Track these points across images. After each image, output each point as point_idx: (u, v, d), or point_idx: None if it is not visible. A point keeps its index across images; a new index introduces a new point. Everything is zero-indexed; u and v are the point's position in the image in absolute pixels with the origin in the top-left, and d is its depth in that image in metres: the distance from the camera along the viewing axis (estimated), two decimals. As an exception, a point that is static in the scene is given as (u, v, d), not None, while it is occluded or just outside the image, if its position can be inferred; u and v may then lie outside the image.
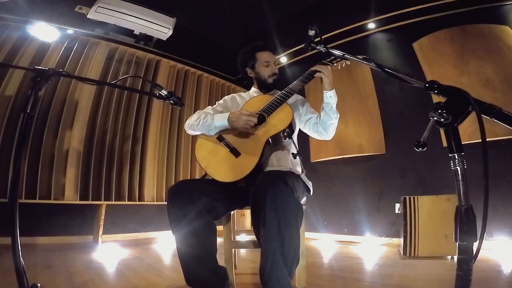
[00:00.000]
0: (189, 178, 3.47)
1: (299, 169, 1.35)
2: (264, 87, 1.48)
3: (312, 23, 1.05)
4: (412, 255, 2.04)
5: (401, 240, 2.19)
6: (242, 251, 2.35)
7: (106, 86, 3.00)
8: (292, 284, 0.95)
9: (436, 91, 0.57)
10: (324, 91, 1.34)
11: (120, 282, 1.54)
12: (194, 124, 1.33)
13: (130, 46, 3.23)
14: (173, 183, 3.28)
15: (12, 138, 2.38)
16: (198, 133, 1.34)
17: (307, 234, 3.17)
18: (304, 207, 1.20)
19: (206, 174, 1.25)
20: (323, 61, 1.35)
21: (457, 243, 0.50)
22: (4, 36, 2.46)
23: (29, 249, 2.25)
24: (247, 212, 3.64)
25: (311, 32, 1.08)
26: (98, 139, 2.89)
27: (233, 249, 1.40)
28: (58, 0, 2.81)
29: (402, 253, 2.13)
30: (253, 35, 4.22)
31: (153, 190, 3.15)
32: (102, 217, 2.74)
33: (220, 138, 1.28)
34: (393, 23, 2.97)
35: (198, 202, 1.12)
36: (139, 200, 3.04)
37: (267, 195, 0.96)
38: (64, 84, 2.75)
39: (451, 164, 0.53)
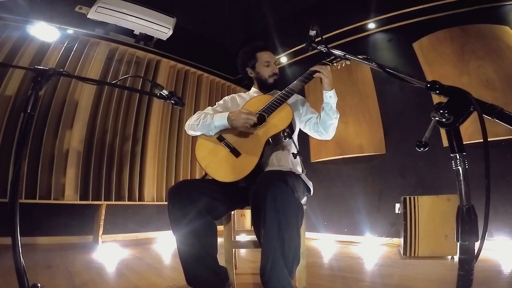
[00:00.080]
0: (189, 178, 3.47)
1: (299, 169, 1.35)
2: (264, 87, 1.48)
3: (313, 23, 1.05)
4: (412, 255, 2.05)
5: (401, 240, 2.19)
6: (242, 251, 2.35)
7: (106, 86, 2.99)
8: (292, 284, 0.94)
9: (437, 91, 0.57)
10: (324, 91, 1.34)
11: (120, 282, 1.54)
12: (194, 125, 1.33)
13: (130, 46, 3.23)
14: (173, 183, 3.28)
15: (12, 138, 2.38)
16: (198, 133, 1.34)
17: (307, 234, 3.17)
18: (304, 207, 1.20)
19: (206, 174, 1.25)
20: (323, 61, 1.35)
21: (458, 243, 0.50)
22: (4, 36, 2.46)
23: (29, 249, 2.25)
24: (247, 212, 3.63)
25: (312, 32, 1.08)
26: (98, 139, 2.89)
27: (233, 249, 1.40)
28: (58, 0, 2.81)
29: (402, 253, 2.13)
30: (253, 35, 4.22)
31: (153, 190, 3.15)
32: (102, 217, 2.74)
33: (220, 138, 1.28)
34: (393, 23, 2.98)
35: (198, 202, 1.12)
36: (139, 200, 3.04)
37: (267, 195, 0.96)
38: (64, 84, 2.75)
39: (453, 164, 0.53)
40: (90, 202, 2.71)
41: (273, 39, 3.75)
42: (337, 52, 0.99)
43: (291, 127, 1.25)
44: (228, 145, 1.24)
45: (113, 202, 2.86)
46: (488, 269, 1.66)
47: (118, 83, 1.14)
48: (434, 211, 2.06)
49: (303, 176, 1.32)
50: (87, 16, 2.88)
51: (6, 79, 2.43)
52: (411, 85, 0.71)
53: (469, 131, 2.07)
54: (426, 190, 2.49)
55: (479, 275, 1.52)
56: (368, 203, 2.95)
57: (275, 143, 1.27)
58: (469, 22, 2.53)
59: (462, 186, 0.52)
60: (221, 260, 1.19)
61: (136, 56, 3.28)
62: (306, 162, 1.43)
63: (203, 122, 1.29)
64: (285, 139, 1.22)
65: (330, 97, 1.33)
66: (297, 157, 1.21)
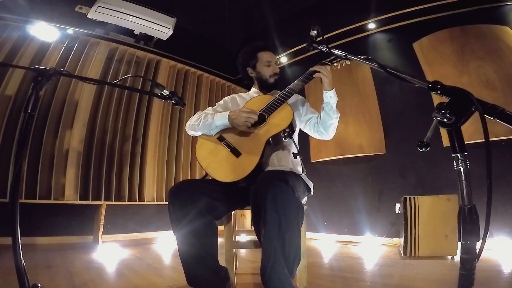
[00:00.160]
0: (189, 178, 3.47)
1: (299, 169, 1.35)
2: (265, 87, 1.48)
3: (314, 24, 1.05)
4: (413, 255, 2.05)
5: (401, 240, 2.19)
6: (242, 251, 2.35)
7: (106, 86, 2.99)
8: (293, 284, 0.94)
9: (439, 92, 0.57)
10: (324, 91, 1.34)
11: (120, 282, 1.54)
12: (194, 125, 1.33)
13: (130, 46, 3.22)
14: (173, 183, 3.28)
15: (12, 138, 2.38)
16: (199, 133, 1.34)
17: (307, 234, 3.17)
18: (305, 207, 1.20)
19: (206, 174, 1.25)
20: (323, 61, 1.35)
21: (460, 243, 0.50)
22: (4, 36, 2.46)
23: (29, 249, 2.25)
24: (248, 212, 3.63)
25: (313, 32, 1.08)
26: (98, 139, 2.89)
27: (233, 249, 1.40)
28: (58, 0, 2.81)
29: (402, 253, 2.14)
30: (253, 35, 4.22)
31: (153, 190, 3.15)
32: (102, 217, 2.74)
33: (220, 138, 1.28)
34: (393, 23, 2.98)
35: (198, 202, 1.12)
36: (139, 200, 3.04)
37: (267, 194, 0.96)
38: (64, 84, 2.75)
39: (454, 164, 0.53)
40: (90, 202, 2.70)
41: (273, 39, 3.75)
42: (338, 52, 0.98)
43: (291, 127, 1.25)
44: (228, 145, 1.24)
45: (113, 202, 2.86)
46: (488, 269, 1.66)
47: (118, 83, 1.14)
48: (434, 211, 2.06)
49: (304, 176, 1.32)
50: (87, 16, 2.88)
51: (6, 79, 2.43)
52: (411, 85, 0.71)
53: (469, 131, 2.07)
54: (426, 190, 2.50)
55: (479, 275, 1.52)
56: (368, 203, 2.95)
57: (275, 143, 1.27)
58: (469, 22, 2.54)
59: (464, 186, 0.52)
60: (222, 260, 1.19)
61: (136, 56, 3.28)
62: (306, 162, 1.43)
63: (204, 122, 1.29)
64: (285, 139, 1.22)
65: (330, 97, 1.33)
66: (298, 157, 1.21)
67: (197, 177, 3.54)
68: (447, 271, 1.72)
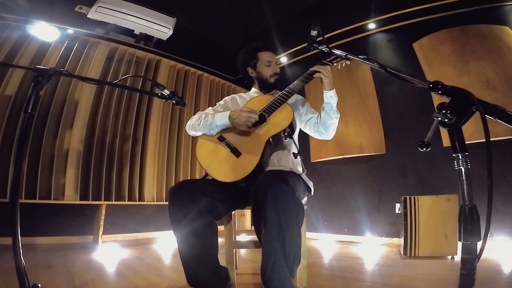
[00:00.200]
0: (189, 178, 3.47)
1: (300, 169, 1.35)
2: (265, 87, 1.48)
3: (314, 24, 1.05)
4: (413, 255, 2.05)
5: (402, 240, 2.19)
6: (242, 251, 2.35)
7: (106, 86, 2.99)
8: (293, 284, 0.94)
9: (440, 92, 0.57)
10: (324, 91, 1.34)
11: (120, 282, 1.53)
12: (195, 125, 1.33)
13: (130, 46, 3.22)
14: (173, 183, 3.28)
15: (12, 138, 2.38)
16: (199, 133, 1.34)
17: (308, 234, 3.17)
18: (305, 207, 1.20)
19: (207, 174, 1.25)
20: (323, 61, 1.35)
21: (460, 243, 0.50)
22: (4, 36, 2.46)
23: (29, 249, 2.24)
24: (247, 212, 3.63)
25: (313, 33, 1.08)
26: (98, 139, 2.89)
27: (234, 249, 1.40)
28: (58, 0, 2.81)
29: (402, 253, 2.14)
30: (253, 35, 4.22)
31: (153, 190, 3.15)
32: (102, 217, 2.74)
33: (221, 138, 1.28)
34: (393, 23, 2.98)
35: (198, 202, 1.12)
36: (139, 200, 3.04)
37: (268, 194, 0.96)
38: (64, 84, 2.75)
39: (455, 164, 0.53)
40: (90, 202, 2.70)
41: (273, 39, 3.75)
42: (339, 52, 0.98)
43: (291, 127, 1.25)
44: (228, 145, 1.24)
45: (113, 202, 2.85)
46: (488, 269, 1.66)
47: (118, 83, 1.14)
48: (434, 211, 2.06)
49: (304, 176, 1.32)
50: (87, 16, 2.87)
51: (6, 78, 2.42)
52: (411, 85, 0.71)
53: (469, 131, 2.07)
54: (426, 190, 2.50)
55: (479, 275, 1.51)
56: (368, 203, 2.95)
57: (275, 143, 1.27)
58: (469, 22, 2.54)
59: (465, 186, 0.52)
60: (222, 260, 1.19)
61: (136, 56, 3.28)
62: (306, 162, 1.43)
63: (205, 122, 1.29)
64: (285, 139, 1.22)
65: (330, 97, 1.33)
66: (298, 157, 1.21)
67: (197, 177, 3.54)
68: (447, 271, 1.72)
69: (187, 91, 3.64)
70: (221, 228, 1.24)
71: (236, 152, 1.21)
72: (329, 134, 1.40)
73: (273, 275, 0.91)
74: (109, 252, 2.36)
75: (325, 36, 1.06)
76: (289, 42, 3.63)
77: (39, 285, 0.83)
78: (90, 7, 2.83)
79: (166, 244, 2.87)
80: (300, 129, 1.49)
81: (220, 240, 1.16)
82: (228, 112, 1.26)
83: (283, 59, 3.85)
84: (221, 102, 1.53)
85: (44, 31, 2.55)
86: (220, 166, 1.21)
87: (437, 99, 2.50)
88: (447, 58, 2.57)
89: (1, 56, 2.38)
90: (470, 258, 0.49)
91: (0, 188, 2.28)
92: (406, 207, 2.13)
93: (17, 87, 2.48)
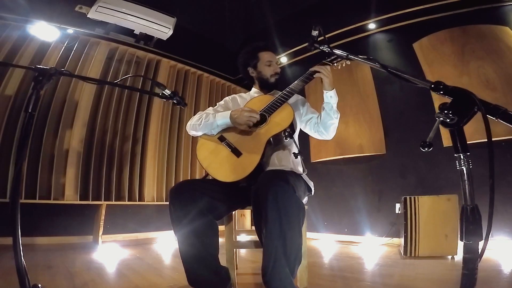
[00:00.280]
0: (189, 178, 3.47)
1: (300, 169, 1.35)
2: (266, 87, 1.48)
3: (315, 24, 1.05)
4: (413, 255, 2.05)
5: (402, 240, 2.20)
6: (242, 251, 2.35)
7: (106, 86, 2.99)
8: (294, 284, 0.94)
9: (442, 92, 0.57)
10: (325, 91, 1.34)
11: (121, 282, 1.53)
12: (196, 125, 1.33)
13: (130, 46, 3.22)
14: (173, 183, 3.28)
15: (12, 138, 2.37)
16: (200, 133, 1.34)
17: (308, 234, 3.17)
18: (305, 207, 1.20)
19: (207, 174, 1.25)
20: (323, 61, 1.35)
21: (462, 243, 0.50)
22: (4, 36, 2.45)
23: (29, 249, 2.24)
24: (247, 212, 3.63)
25: (315, 33, 1.08)
26: (98, 139, 2.89)
27: (234, 249, 1.40)
28: (58, -1, 2.81)
29: (402, 253, 2.14)
30: (253, 35, 4.22)
31: (153, 190, 3.15)
32: (102, 217, 2.74)
33: (221, 138, 1.28)
34: (393, 23, 2.98)
35: (199, 201, 1.11)
36: (139, 200, 3.04)
37: (268, 194, 0.96)
38: (64, 84, 2.75)
39: (457, 164, 0.53)
40: (90, 202, 2.70)
41: (273, 39, 3.75)
42: (340, 52, 0.98)
43: (292, 127, 1.25)
44: (229, 145, 1.24)
45: (113, 202, 2.85)
46: (488, 269, 1.66)
47: (119, 82, 1.14)
48: (435, 211, 2.06)
49: (304, 176, 1.32)
50: (87, 16, 2.87)
51: (6, 78, 2.42)
52: (411, 85, 0.71)
53: (470, 131, 2.06)
54: (426, 190, 2.50)
55: (479, 274, 1.52)
56: (368, 203, 2.95)
57: (276, 143, 1.27)
58: (469, 23, 2.54)
59: (466, 186, 0.52)
60: (222, 260, 1.19)
61: (136, 56, 3.28)
62: (306, 162, 1.43)
63: (205, 122, 1.29)
64: (286, 138, 1.22)
65: (330, 97, 1.33)
66: (298, 156, 1.21)
67: (197, 177, 3.54)
68: (447, 271, 1.72)
69: (187, 91, 3.64)
70: (221, 228, 1.24)
71: (236, 152, 1.21)
72: (329, 134, 1.40)
73: (274, 275, 0.91)
74: (109, 252, 2.36)
75: (326, 36, 1.06)
76: (289, 42, 3.63)
77: (40, 285, 0.83)
78: (90, 7, 2.83)
79: (166, 244, 2.87)
80: (300, 129, 1.49)
81: (221, 240, 1.16)
82: (229, 111, 1.26)
83: (283, 59, 3.85)
84: (222, 102, 1.53)
85: (44, 31, 2.54)
86: (221, 166, 1.21)
87: (437, 99, 2.50)
88: (447, 58, 2.57)
89: (1, 56, 2.38)
90: (472, 258, 0.49)
91: (0, 188, 2.27)
92: (406, 207, 2.13)
93: (17, 87, 2.48)
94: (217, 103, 1.53)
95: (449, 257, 1.99)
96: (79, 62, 2.82)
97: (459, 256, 1.97)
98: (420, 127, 2.61)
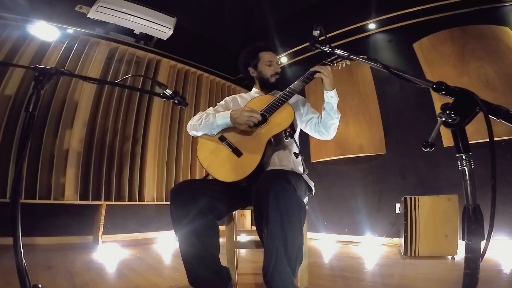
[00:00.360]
0: (189, 178, 3.46)
1: (301, 169, 1.35)
2: (266, 87, 1.48)
3: (316, 24, 1.05)
4: (413, 255, 2.05)
5: (402, 240, 2.20)
6: (242, 251, 2.35)
7: (106, 86, 2.99)
8: (295, 284, 0.94)
9: (443, 92, 0.57)
10: (325, 91, 1.34)
11: (121, 282, 1.53)
12: (196, 125, 1.33)
13: (131, 46, 3.22)
14: (173, 183, 3.28)
15: (12, 137, 2.37)
16: (200, 133, 1.34)
17: (308, 234, 3.17)
18: (306, 206, 1.20)
19: (208, 174, 1.25)
20: (323, 61, 1.35)
21: (464, 242, 0.50)
22: (4, 35, 2.45)
23: (29, 249, 2.24)
24: (248, 212, 3.64)
25: (316, 33, 1.08)
26: (98, 139, 2.88)
27: (235, 249, 1.40)
28: (58, -1, 2.80)
29: (402, 253, 2.14)
30: (253, 35, 4.22)
31: (153, 190, 3.14)
32: (102, 217, 2.73)
33: (222, 138, 1.28)
34: (393, 23, 2.98)
35: (199, 201, 1.11)
36: (139, 200, 3.03)
37: (269, 194, 0.96)
38: (64, 84, 2.74)
39: (458, 164, 0.53)
40: (90, 202, 2.70)
41: (273, 39, 3.75)
42: (341, 52, 0.98)
43: (292, 127, 1.25)
44: (230, 145, 1.24)
45: (113, 202, 2.85)
46: (488, 269, 1.66)
47: (120, 82, 1.14)
48: (435, 211, 2.06)
49: (305, 176, 1.32)
50: (87, 16, 2.87)
51: (5, 78, 2.42)
52: (411, 86, 0.71)
53: (470, 131, 2.05)
54: (426, 190, 2.50)
55: (479, 274, 1.52)
56: (369, 203, 2.95)
57: (276, 143, 1.27)
58: (470, 23, 2.54)
59: (468, 186, 0.52)
60: (223, 260, 1.19)
61: (136, 56, 3.27)
62: (306, 162, 1.43)
63: (206, 122, 1.29)
64: (286, 138, 1.22)
65: (331, 97, 1.33)
66: (299, 156, 1.21)
67: (198, 177, 3.54)
68: (448, 271, 1.72)
69: (187, 91, 3.64)
70: (221, 228, 1.24)
71: (237, 152, 1.21)
72: (329, 134, 1.40)
73: (275, 275, 0.91)
74: (109, 252, 2.36)
75: (327, 36, 1.06)
76: (289, 42, 3.63)
77: (40, 285, 0.83)
78: (90, 7, 2.83)
79: (166, 244, 2.86)
80: (300, 129, 1.49)
81: (221, 240, 1.16)
82: (229, 111, 1.26)
83: (283, 59, 3.85)
84: (222, 102, 1.53)
85: (44, 31, 2.54)
86: (221, 166, 1.21)
87: (437, 99, 2.51)
88: (447, 59, 2.57)
89: (1, 56, 2.38)
90: (474, 258, 0.49)
91: (0, 188, 2.27)
92: (406, 207, 2.13)
93: (17, 86, 2.48)
94: (217, 103, 1.53)
95: (449, 257, 2.00)
96: (79, 62, 2.82)
97: (459, 256, 1.98)
98: (420, 127, 2.61)
